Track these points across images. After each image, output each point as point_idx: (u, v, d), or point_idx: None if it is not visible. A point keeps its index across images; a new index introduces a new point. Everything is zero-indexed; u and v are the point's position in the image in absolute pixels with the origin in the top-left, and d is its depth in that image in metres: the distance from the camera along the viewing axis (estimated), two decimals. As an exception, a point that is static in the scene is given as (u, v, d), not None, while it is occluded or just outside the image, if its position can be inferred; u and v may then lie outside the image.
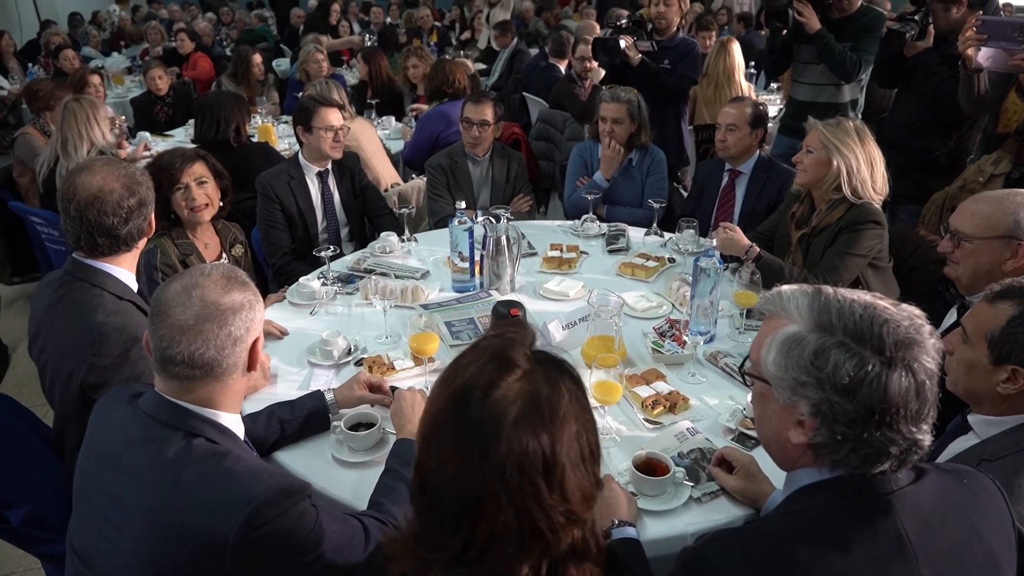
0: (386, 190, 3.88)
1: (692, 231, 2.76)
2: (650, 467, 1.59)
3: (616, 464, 1.66)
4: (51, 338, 1.83)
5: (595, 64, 5.14)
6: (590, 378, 1.76)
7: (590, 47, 4.53)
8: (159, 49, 8.11)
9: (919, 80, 3.56)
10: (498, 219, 2.52)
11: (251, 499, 1.15)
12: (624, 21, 4.28)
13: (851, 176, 2.41)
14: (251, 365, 1.32)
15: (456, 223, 2.51)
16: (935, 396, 1.02)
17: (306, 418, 1.78)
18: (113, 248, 1.86)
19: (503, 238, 2.48)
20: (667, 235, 3.02)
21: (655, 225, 3.04)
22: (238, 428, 1.34)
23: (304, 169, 3.20)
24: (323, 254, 2.51)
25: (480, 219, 2.62)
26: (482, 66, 8.01)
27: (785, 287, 1.13)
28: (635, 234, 3.07)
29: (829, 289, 1.08)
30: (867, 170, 2.43)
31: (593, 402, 1.78)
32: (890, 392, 0.99)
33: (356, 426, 1.76)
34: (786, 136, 3.99)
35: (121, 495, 1.21)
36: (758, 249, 2.49)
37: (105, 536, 1.22)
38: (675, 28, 4.18)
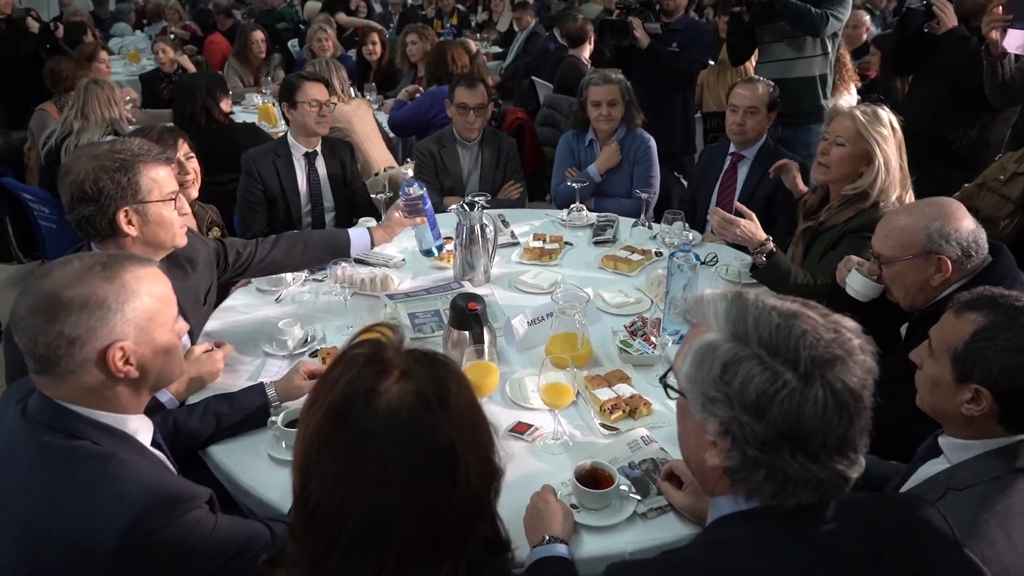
0: (377, 174, 3.78)
1: (680, 223, 2.62)
2: (594, 478, 1.48)
3: (560, 474, 1.55)
4: None
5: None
6: (540, 379, 1.65)
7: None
8: (178, 29, 8.09)
9: (950, 56, 3.35)
10: (472, 207, 2.40)
11: (131, 507, 1.07)
12: (633, 2, 4.12)
13: (887, 176, 2.22)
14: (109, 374, 1.15)
15: (406, 189, 2.33)
16: (864, 422, 0.90)
17: (245, 412, 1.69)
18: (98, 232, 1.70)
19: (477, 227, 2.37)
20: (656, 227, 2.87)
21: (643, 216, 2.89)
22: (136, 429, 1.23)
23: (291, 148, 3.12)
24: (290, 239, 2.42)
25: (453, 207, 2.50)
26: (498, 49, 7.84)
27: (707, 292, 1.00)
28: (626, 225, 2.93)
29: (751, 294, 0.96)
30: (899, 172, 2.25)
31: (542, 405, 1.69)
32: (804, 413, 0.87)
33: (294, 422, 1.68)
34: None
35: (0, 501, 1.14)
36: (773, 246, 2.26)
37: None
38: (683, 10, 4.01)
